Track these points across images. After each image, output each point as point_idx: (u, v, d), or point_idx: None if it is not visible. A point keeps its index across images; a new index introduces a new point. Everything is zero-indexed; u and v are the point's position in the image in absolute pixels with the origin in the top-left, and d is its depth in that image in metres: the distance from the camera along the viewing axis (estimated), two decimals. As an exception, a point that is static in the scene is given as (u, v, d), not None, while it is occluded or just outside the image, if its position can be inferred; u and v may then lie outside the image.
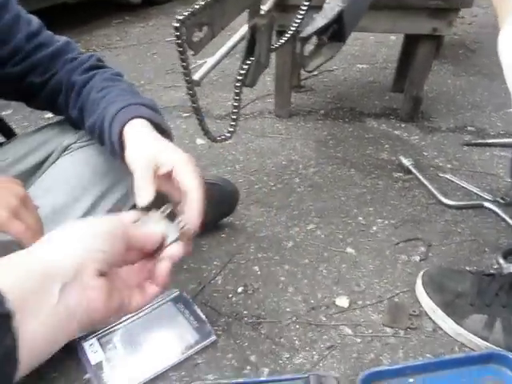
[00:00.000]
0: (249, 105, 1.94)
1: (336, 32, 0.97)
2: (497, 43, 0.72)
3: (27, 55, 0.85)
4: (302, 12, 1.42)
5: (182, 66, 1.07)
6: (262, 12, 1.33)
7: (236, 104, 1.27)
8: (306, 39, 0.91)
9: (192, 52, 1.08)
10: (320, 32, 0.92)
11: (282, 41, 1.42)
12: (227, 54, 1.55)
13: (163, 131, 0.80)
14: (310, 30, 0.90)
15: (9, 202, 0.68)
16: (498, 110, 1.88)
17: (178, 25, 1.01)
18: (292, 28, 1.44)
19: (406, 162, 1.44)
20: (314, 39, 0.95)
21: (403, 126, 1.76)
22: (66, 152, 1.00)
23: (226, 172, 1.47)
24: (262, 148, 1.61)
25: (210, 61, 1.52)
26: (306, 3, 1.42)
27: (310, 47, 0.96)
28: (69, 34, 0.94)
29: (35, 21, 0.88)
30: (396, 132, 1.71)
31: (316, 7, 1.44)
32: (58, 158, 1.00)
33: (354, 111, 1.87)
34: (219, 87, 2.16)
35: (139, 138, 0.74)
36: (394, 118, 1.81)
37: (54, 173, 0.99)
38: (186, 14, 1.04)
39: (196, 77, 1.12)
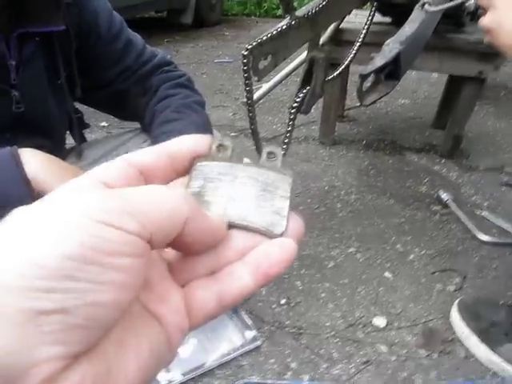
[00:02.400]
0: (294, 130, 2.03)
1: (392, 71, 1.05)
2: None
3: (134, 72, 0.97)
4: (356, 48, 1.52)
5: (246, 90, 1.17)
6: (320, 46, 1.42)
7: (289, 129, 1.36)
8: (365, 76, 0.99)
9: (256, 78, 1.18)
10: (378, 71, 1.00)
11: (336, 73, 1.51)
12: (282, 80, 1.65)
13: None
14: (369, 68, 0.98)
15: None
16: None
17: (246, 53, 1.12)
18: (345, 61, 1.54)
19: (445, 196, 1.50)
20: (372, 77, 1.03)
21: (442, 162, 1.81)
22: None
23: (271, 191, 1.55)
24: (305, 172, 1.70)
25: (266, 86, 1.62)
26: (360, 40, 1.52)
27: (367, 84, 1.04)
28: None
29: (140, 41, 1.00)
30: (435, 167, 1.77)
31: (368, 44, 1.54)
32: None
33: (395, 144, 1.94)
34: (265, 110, 2.26)
35: None
36: (434, 153, 1.87)
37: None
38: (254, 43, 1.14)
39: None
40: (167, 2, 4.08)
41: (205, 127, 1.05)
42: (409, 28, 1.10)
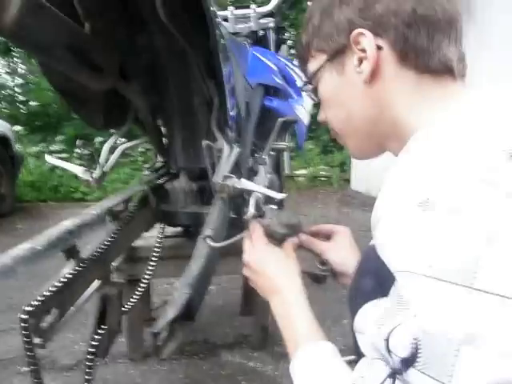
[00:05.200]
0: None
1: (186, 315, 1.03)
2: None
3: None
4: (152, 265, 1.50)
5: (28, 355, 1.02)
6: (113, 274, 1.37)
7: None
8: (157, 334, 0.95)
9: (40, 340, 1.06)
10: (171, 321, 0.97)
11: (134, 300, 1.45)
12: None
13: None
14: (161, 324, 0.95)
15: None
16: (335, 322, 2.00)
17: (25, 317, 1.00)
18: (144, 280, 1.49)
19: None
20: (166, 327, 0.99)
21: (256, 354, 1.82)
22: None
23: None
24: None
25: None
26: (155, 255, 1.51)
27: (163, 334, 1.00)
28: None
29: None
30: (250, 364, 1.76)
31: (166, 258, 1.55)
32: None
33: (208, 343, 1.90)
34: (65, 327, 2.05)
35: None
36: (247, 346, 1.88)
37: None
38: (35, 303, 1.03)
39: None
40: None
41: None
42: (195, 266, 1.12)
